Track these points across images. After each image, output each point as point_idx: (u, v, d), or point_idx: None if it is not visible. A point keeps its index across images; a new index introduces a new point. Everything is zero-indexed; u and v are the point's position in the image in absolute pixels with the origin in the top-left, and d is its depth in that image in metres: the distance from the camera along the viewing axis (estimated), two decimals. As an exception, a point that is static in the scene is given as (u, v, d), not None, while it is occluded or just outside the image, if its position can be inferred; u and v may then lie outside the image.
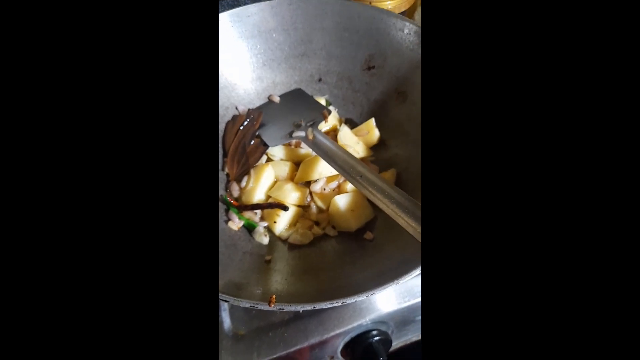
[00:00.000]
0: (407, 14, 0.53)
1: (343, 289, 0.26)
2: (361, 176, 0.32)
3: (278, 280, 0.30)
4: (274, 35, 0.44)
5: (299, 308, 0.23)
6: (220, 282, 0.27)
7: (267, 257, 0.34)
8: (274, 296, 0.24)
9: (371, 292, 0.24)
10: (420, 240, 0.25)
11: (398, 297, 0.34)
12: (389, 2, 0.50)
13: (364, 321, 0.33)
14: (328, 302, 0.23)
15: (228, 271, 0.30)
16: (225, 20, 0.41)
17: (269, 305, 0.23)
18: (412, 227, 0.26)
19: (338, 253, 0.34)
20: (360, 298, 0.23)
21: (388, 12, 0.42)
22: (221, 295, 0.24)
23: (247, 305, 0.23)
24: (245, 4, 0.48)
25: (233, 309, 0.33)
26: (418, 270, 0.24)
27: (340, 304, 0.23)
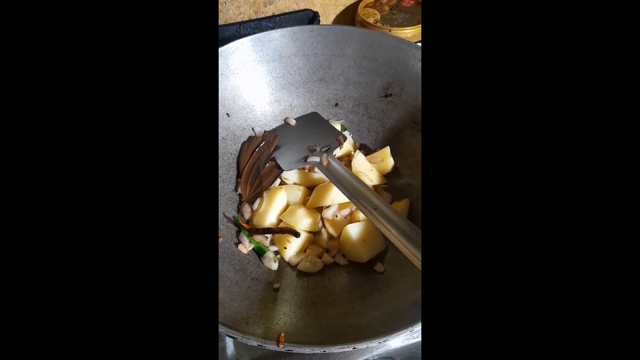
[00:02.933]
0: (426, 42, 0.54)
1: (353, 329, 0.26)
2: (375, 209, 0.31)
3: (286, 312, 0.29)
4: (294, 60, 0.45)
5: (308, 350, 0.23)
6: (227, 312, 0.27)
7: (276, 285, 0.33)
8: (282, 334, 0.24)
9: (384, 338, 0.23)
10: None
11: (406, 333, 0.33)
12: (408, 31, 0.51)
13: (370, 356, 0.32)
14: (339, 347, 0.22)
15: (236, 300, 0.29)
16: (248, 44, 0.43)
17: (278, 345, 0.23)
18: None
19: (347, 285, 0.33)
20: (373, 344, 0.23)
21: (408, 42, 0.42)
22: (228, 331, 0.23)
23: (255, 344, 0.23)
24: (268, 28, 0.49)
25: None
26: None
27: (351, 348, 0.22)
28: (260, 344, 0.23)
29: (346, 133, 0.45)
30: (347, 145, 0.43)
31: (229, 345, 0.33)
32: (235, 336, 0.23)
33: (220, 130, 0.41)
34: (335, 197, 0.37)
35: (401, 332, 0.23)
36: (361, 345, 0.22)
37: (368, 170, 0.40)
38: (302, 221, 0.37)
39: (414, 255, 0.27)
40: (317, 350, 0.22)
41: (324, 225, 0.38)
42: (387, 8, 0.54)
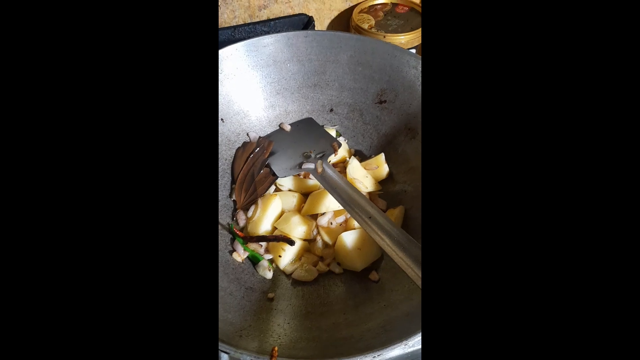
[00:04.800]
0: (420, 48, 0.54)
1: (346, 341, 0.25)
2: (370, 217, 0.31)
3: (280, 323, 0.29)
4: (288, 65, 0.44)
5: (302, 365, 0.22)
6: (221, 325, 0.26)
7: (270, 295, 0.33)
8: (276, 348, 0.23)
9: (378, 352, 0.23)
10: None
11: (400, 346, 0.33)
12: (402, 37, 0.51)
13: (365, 365, 0.32)
14: (333, 361, 0.22)
15: (230, 311, 0.29)
16: (241, 49, 0.42)
17: (271, 360, 0.23)
18: (420, 278, 0.25)
19: (342, 295, 0.33)
20: (367, 359, 0.23)
21: (402, 49, 0.42)
22: (222, 346, 0.23)
23: (248, 359, 0.23)
24: (263, 32, 0.49)
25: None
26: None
27: (345, 362, 0.22)
28: (253, 358, 0.23)
29: (341, 139, 0.45)
30: (342, 152, 0.43)
31: (224, 355, 0.32)
32: (228, 351, 0.23)
33: (214, 136, 0.41)
34: (331, 204, 0.37)
35: (395, 345, 0.23)
36: (355, 360, 0.22)
37: (363, 176, 0.40)
38: (297, 229, 0.36)
39: (408, 266, 0.27)
40: (311, 364, 0.22)
41: (319, 233, 0.38)
42: (381, 14, 0.55)
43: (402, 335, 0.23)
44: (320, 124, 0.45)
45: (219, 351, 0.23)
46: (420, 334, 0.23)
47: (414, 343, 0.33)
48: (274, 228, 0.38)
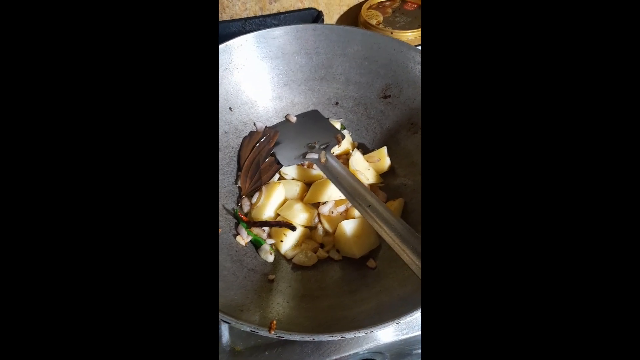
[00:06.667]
0: (427, 44, 0.55)
1: (342, 320, 0.27)
2: (369, 206, 0.32)
3: (279, 302, 0.30)
4: (296, 57, 0.45)
5: (298, 338, 0.24)
6: (223, 300, 0.28)
7: (271, 277, 0.34)
8: (274, 322, 0.25)
9: (371, 329, 0.24)
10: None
11: (396, 329, 0.34)
12: (410, 33, 0.52)
13: (360, 349, 0.34)
14: (328, 335, 0.24)
15: (232, 289, 0.30)
16: (251, 40, 0.43)
17: (269, 332, 0.24)
18: (416, 264, 0.26)
19: (339, 280, 0.34)
20: (360, 334, 0.24)
21: (407, 45, 0.43)
22: (223, 317, 0.25)
23: (248, 330, 0.24)
24: (273, 25, 0.50)
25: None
26: (417, 312, 0.25)
27: (339, 337, 0.24)
28: (253, 329, 0.24)
29: (345, 132, 0.46)
30: (346, 144, 0.44)
31: (225, 334, 0.34)
32: (229, 321, 0.24)
33: (222, 124, 0.42)
34: (332, 193, 0.38)
35: (387, 324, 0.24)
36: (348, 335, 0.24)
37: (365, 169, 0.41)
38: (299, 216, 0.38)
39: (404, 252, 0.28)
40: (307, 337, 0.24)
41: (320, 221, 0.39)
42: (390, 10, 0.55)
43: (393, 316, 0.24)
44: (326, 117, 0.46)
45: (221, 321, 0.25)
46: (411, 315, 0.24)
47: (408, 330, 0.34)
48: (277, 214, 0.39)
